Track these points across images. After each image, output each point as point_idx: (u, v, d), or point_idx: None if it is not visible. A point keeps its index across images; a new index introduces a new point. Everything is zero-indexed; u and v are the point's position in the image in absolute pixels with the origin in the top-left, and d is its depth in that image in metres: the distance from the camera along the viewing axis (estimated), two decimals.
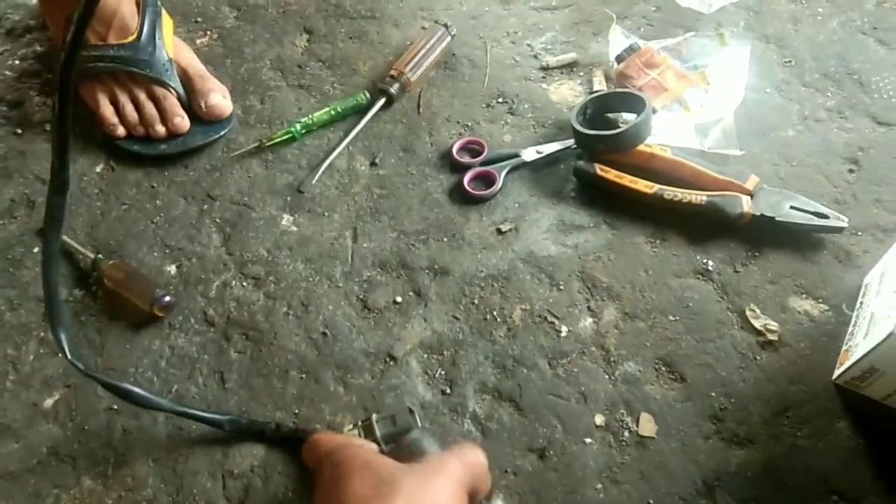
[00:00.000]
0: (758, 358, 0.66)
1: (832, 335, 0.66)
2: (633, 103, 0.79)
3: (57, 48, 0.88)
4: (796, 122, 0.81)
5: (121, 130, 0.81)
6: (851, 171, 0.77)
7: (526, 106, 0.85)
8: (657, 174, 0.76)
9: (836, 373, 0.63)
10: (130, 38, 0.80)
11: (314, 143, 0.83)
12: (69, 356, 0.57)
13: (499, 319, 0.70)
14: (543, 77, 0.87)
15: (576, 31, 0.90)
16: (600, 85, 0.85)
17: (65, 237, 0.75)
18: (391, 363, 0.68)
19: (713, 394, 0.65)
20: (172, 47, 0.83)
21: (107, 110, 0.80)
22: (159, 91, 0.81)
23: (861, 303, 0.66)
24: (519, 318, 0.70)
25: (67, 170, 0.44)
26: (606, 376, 0.67)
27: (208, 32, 0.92)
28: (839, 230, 0.70)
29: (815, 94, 0.83)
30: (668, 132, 0.80)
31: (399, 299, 0.72)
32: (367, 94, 0.85)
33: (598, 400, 0.65)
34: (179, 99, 0.82)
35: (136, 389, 0.60)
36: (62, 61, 0.38)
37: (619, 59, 0.85)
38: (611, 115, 0.82)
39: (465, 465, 0.48)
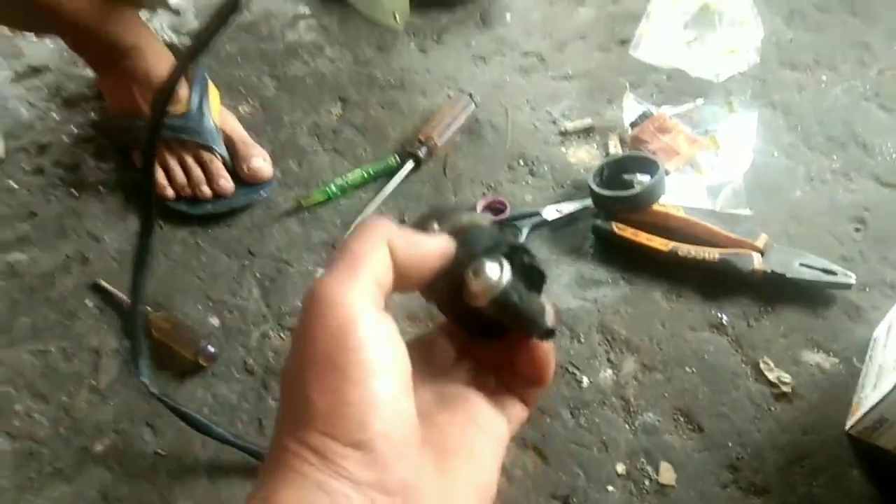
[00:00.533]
0: (772, 409, 0.69)
1: (844, 387, 0.69)
2: (647, 166, 0.84)
3: (111, 114, 0.95)
4: (803, 183, 0.85)
5: (170, 192, 0.87)
6: (858, 229, 0.81)
7: (546, 168, 0.90)
8: (672, 232, 0.81)
9: (849, 423, 0.66)
10: (181, 109, 0.87)
11: (348, 202, 0.89)
12: (145, 380, 0.69)
13: None
14: (562, 141, 0.93)
15: (592, 98, 0.96)
16: (616, 148, 0.91)
17: (115, 291, 0.81)
18: None
19: (730, 443, 0.67)
20: (218, 116, 0.90)
21: (158, 173, 0.87)
22: (206, 156, 0.87)
23: (870, 356, 0.69)
24: None
25: (152, 218, 0.52)
26: (627, 426, 0.70)
27: (250, 101, 1.00)
28: (847, 286, 0.74)
29: (821, 157, 0.87)
30: (682, 193, 0.85)
31: None
32: (397, 158, 0.91)
33: (619, 449, 0.68)
34: (224, 163, 0.88)
35: (196, 415, 0.68)
36: (144, 152, 0.46)
37: (633, 124, 0.90)
38: (626, 177, 0.87)
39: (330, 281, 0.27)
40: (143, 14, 1.06)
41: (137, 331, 0.66)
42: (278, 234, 0.86)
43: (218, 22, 0.48)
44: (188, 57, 0.48)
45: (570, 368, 0.74)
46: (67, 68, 1.06)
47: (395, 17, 0.56)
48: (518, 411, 0.33)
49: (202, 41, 0.47)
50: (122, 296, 0.80)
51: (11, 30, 1.06)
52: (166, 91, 0.45)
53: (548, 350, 0.33)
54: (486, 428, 0.31)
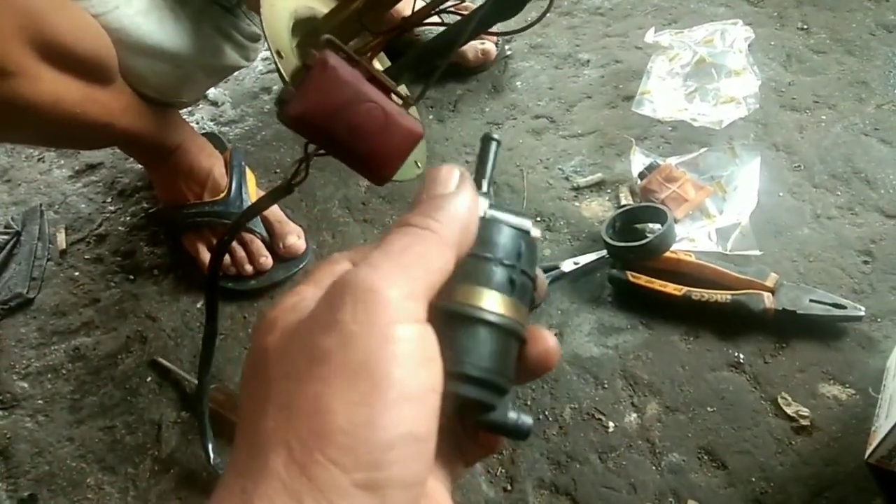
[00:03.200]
0: (793, 443, 0.72)
1: (861, 417, 0.72)
2: (658, 215, 0.89)
3: (163, 202, 1.04)
4: (810, 220, 0.89)
5: None
6: (866, 262, 0.83)
7: (561, 223, 0.96)
8: (684, 277, 0.85)
9: (868, 452, 0.68)
10: (222, 196, 0.96)
11: None
12: (212, 462, 0.76)
13: (551, 419, 0.78)
14: (575, 196, 0.98)
15: (601, 153, 1.02)
16: (627, 200, 0.96)
17: (172, 366, 0.88)
18: None
19: (754, 479, 0.70)
20: (256, 198, 0.99)
21: (205, 256, 0.95)
22: (247, 236, 0.95)
23: (885, 385, 0.72)
24: (569, 417, 0.78)
25: (216, 320, 0.60)
26: (653, 467, 0.73)
27: None
28: (858, 319, 0.77)
29: (826, 194, 0.91)
30: (692, 238, 0.89)
31: None
32: None
33: (647, 490, 0.71)
34: (263, 241, 0.96)
35: None
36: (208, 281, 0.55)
37: (642, 176, 0.95)
38: (638, 227, 0.92)
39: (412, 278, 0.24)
40: (185, 109, 1.17)
41: (205, 420, 0.76)
42: None
43: (270, 200, 0.56)
44: (238, 222, 0.58)
45: (596, 414, 0.78)
46: (121, 163, 1.16)
47: (416, 165, 0.63)
48: (461, 470, 0.31)
49: (250, 214, 0.57)
50: (179, 371, 0.88)
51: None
52: (220, 251, 0.56)
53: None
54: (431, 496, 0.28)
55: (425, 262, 0.24)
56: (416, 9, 0.64)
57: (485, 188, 0.32)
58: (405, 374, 0.22)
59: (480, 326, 0.27)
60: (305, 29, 0.67)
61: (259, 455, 0.21)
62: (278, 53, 0.57)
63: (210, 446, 0.77)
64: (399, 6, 0.69)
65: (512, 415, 0.29)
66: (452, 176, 0.28)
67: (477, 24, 0.56)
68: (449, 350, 0.25)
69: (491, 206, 0.30)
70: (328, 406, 0.21)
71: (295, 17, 0.66)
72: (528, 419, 0.29)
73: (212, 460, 0.76)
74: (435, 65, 0.55)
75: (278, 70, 0.57)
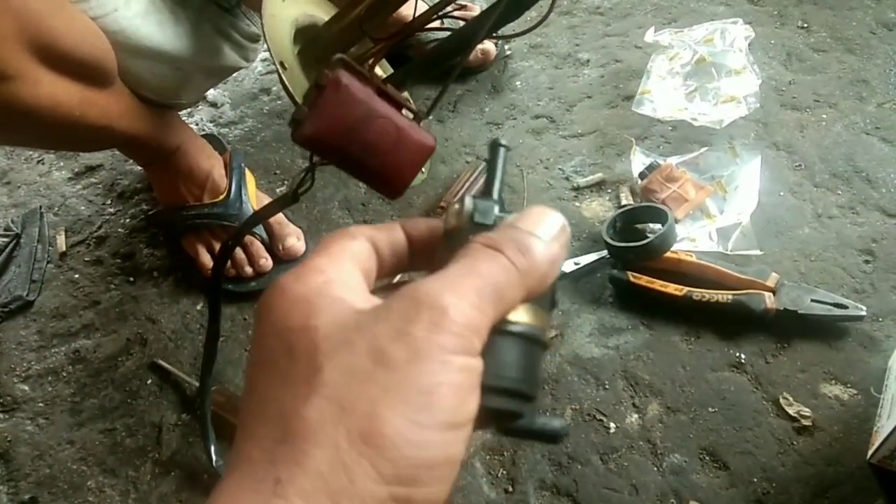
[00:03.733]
0: (794, 443, 0.71)
1: (863, 417, 0.72)
2: (658, 215, 0.89)
3: (163, 204, 1.03)
4: (811, 220, 0.88)
5: None
6: (867, 261, 0.83)
7: None
8: (685, 277, 0.84)
9: (869, 453, 0.68)
10: (221, 198, 0.95)
11: None
12: (215, 464, 0.77)
13: None
14: (575, 196, 0.98)
15: (601, 153, 1.02)
16: (627, 200, 0.95)
17: (172, 368, 0.88)
18: None
19: (755, 479, 0.70)
20: (255, 200, 0.99)
21: (204, 258, 0.95)
22: (247, 238, 0.95)
23: (887, 385, 0.71)
24: (570, 417, 0.78)
25: (218, 322, 0.60)
26: (655, 468, 0.73)
27: (286, 182, 1.08)
28: (859, 318, 0.76)
29: (827, 193, 0.91)
30: (693, 238, 0.89)
31: None
32: None
33: (649, 491, 0.71)
34: (263, 243, 0.96)
35: None
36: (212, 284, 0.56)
37: (642, 175, 0.95)
38: (639, 227, 0.91)
39: (483, 292, 0.24)
40: (185, 111, 1.17)
41: (207, 422, 0.77)
42: None
43: (275, 208, 0.57)
44: (242, 228, 0.58)
45: (598, 415, 0.77)
46: (120, 165, 1.16)
47: (421, 171, 0.64)
48: None
49: (254, 221, 0.57)
50: (179, 373, 0.87)
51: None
52: (224, 256, 0.56)
53: None
54: None
55: (498, 298, 0.25)
56: (417, 13, 0.64)
57: (495, 195, 0.32)
58: (457, 403, 0.22)
59: (502, 337, 0.28)
60: (307, 36, 0.67)
61: (294, 442, 0.21)
62: (282, 65, 0.57)
63: (212, 448, 0.77)
64: (400, 10, 0.69)
65: (539, 420, 0.30)
66: (555, 225, 0.28)
67: (491, 26, 0.56)
68: None
69: (501, 211, 0.31)
70: (383, 415, 0.21)
71: (296, 26, 0.66)
72: (555, 423, 0.30)
73: (214, 462, 0.76)
74: (450, 66, 0.55)
75: (282, 81, 0.57)
